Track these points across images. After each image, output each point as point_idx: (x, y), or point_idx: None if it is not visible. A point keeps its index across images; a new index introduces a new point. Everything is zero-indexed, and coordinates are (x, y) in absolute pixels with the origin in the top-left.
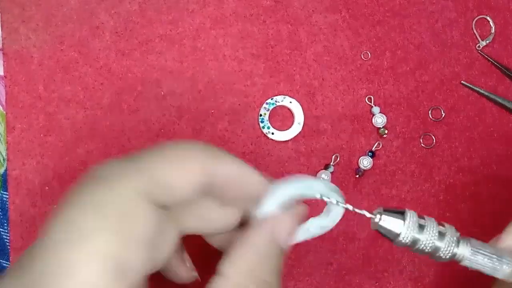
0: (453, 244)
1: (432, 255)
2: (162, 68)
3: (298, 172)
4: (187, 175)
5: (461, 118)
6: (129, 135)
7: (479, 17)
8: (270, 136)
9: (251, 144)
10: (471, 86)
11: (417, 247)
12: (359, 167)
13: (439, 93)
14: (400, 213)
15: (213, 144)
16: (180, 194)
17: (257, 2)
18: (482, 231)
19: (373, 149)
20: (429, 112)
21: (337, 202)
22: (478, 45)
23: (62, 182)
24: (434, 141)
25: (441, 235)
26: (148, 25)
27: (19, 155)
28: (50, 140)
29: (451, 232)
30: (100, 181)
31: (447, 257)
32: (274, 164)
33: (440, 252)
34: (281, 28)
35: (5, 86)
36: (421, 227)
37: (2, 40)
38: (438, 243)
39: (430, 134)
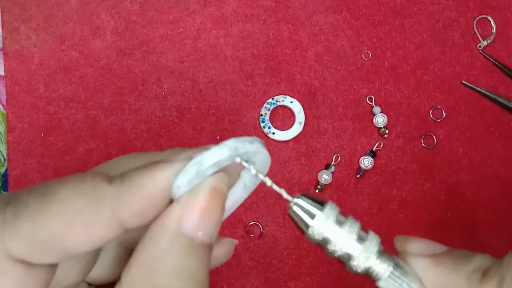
0: (372, 255)
1: (345, 261)
2: (163, 68)
3: (299, 173)
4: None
5: (462, 118)
6: (130, 135)
7: (480, 17)
8: (271, 136)
9: None
10: (472, 86)
11: (328, 246)
12: (360, 167)
13: (440, 93)
14: (321, 203)
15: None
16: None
17: (257, 2)
18: (483, 231)
19: (374, 149)
20: (430, 112)
21: (257, 172)
22: (479, 45)
23: None
24: (435, 141)
25: (361, 240)
26: (149, 25)
27: (20, 155)
28: (51, 140)
29: (373, 240)
30: None
31: (360, 269)
32: (275, 164)
33: (353, 261)
34: (282, 28)
35: (6, 86)
36: (340, 224)
37: (3, 39)
38: (354, 249)
39: (431, 134)
